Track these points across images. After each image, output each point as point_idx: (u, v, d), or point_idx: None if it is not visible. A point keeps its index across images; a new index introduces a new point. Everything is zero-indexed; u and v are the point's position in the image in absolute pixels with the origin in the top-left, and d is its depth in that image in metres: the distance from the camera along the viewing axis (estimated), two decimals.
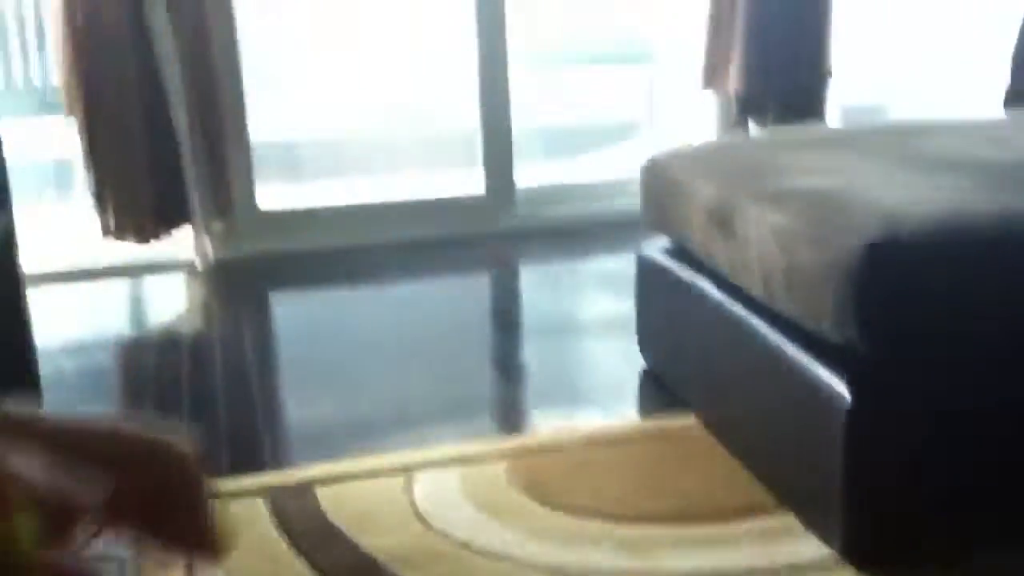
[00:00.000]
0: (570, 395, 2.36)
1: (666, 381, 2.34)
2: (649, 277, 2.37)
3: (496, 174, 3.58)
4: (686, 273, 2.15)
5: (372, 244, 3.45)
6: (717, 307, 2.00)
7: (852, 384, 1.59)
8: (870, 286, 1.55)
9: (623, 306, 2.97)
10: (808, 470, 1.71)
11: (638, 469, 1.98)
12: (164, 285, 3.28)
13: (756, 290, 1.82)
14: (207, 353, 2.71)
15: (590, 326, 2.83)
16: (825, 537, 1.70)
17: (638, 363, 2.47)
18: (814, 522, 1.73)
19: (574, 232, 3.60)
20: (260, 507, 1.87)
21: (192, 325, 2.98)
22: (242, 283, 3.27)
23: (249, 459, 2.09)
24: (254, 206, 3.42)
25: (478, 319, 2.99)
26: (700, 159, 2.19)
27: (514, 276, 3.40)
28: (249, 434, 2.22)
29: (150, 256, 3.33)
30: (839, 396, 1.60)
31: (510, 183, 3.59)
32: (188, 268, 3.33)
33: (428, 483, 1.94)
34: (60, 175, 4.16)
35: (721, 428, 2.05)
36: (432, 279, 3.30)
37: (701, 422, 2.12)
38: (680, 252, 2.22)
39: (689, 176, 2.12)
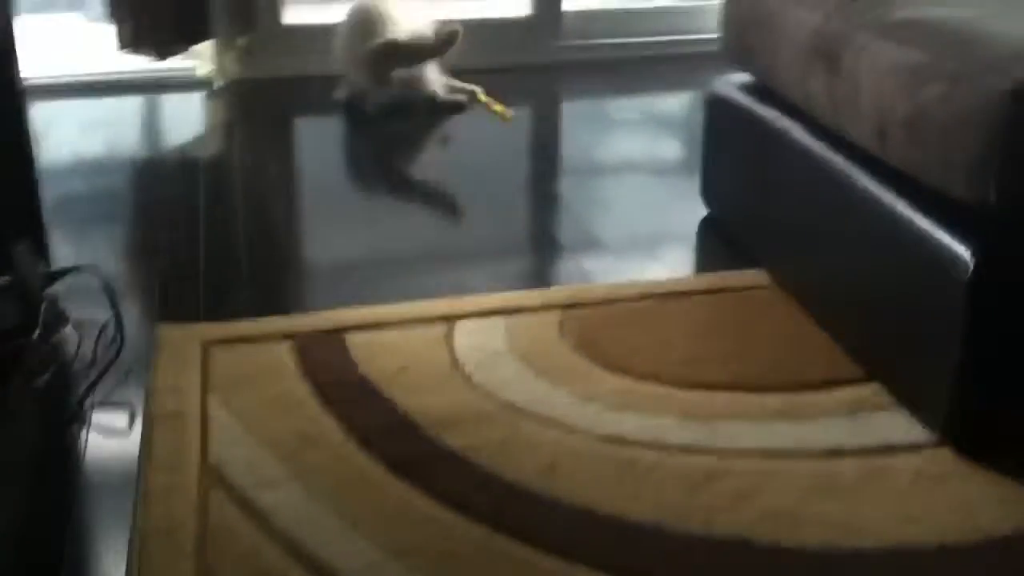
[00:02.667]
0: (624, 243, 2.14)
1: (732, 233, 2.11)
2: (721, 116, 2.11)
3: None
4: (771, 114, 1.90)
5: None
6: (809, 154, 1.76)
7: (977, 249, 1.37)
8: (1016, 135, 1.30)
9: (681, 148, 2.73)
10: (912, 341, 1.50)
11: (703, 328, 1.78)
12: (181, 104, 3.03)
13: (864, 136, 1.57)
14: (227, 179, 2.49)
15: (646, 169, 2.59)
16: (924, 415, 1.50)
17: (699, 211, 2.24)
18: (912, 398, 1.53)
19: (627, 65, 3.31)
20: (285, 354, 1.68)
21: (210, 148, 2.75)
22: (265, 104, 3.01)
23: (272, 300, 1.90)
24: (278, 21, 3.14)
25: (521, 157, 2.75)
26: None
27: (559, 111, 3.13)
28: (272, 272, 2.02)
29: (166, 72, 3.08)
30: (960, 262, 1.38)
31: (557, 6, 3.28)
32: (207, 86, 3.07)
33: (470, 335, 1.75)
34: None
35: (799, 287, 1.84)
36: (470, 111, 3.04)
37: (774, 280, 1.90)
38: (763, 90, 1.96)
39: (784, 2, 1.84)
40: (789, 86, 1.81)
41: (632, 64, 3.32)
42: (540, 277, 2.03)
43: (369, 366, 1.65)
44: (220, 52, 3.04)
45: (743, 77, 2.05)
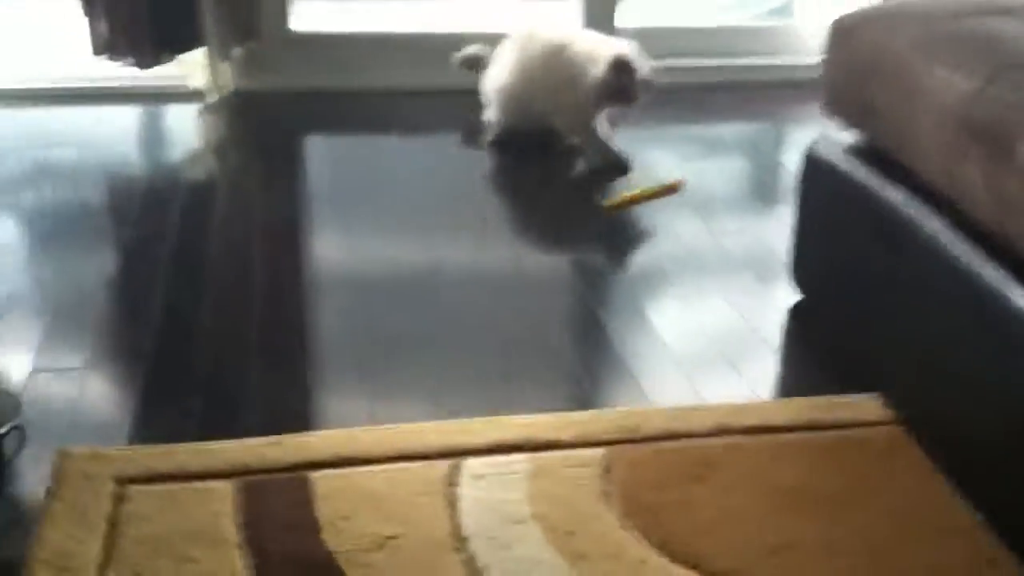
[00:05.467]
0: (689, 339, 1.66)
1: (832, 331, 1.64)
2: (823, 183, 1.64)
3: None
4: (896, 194, 1.42)
5: (427, 84, 2.69)
6: (951, 255, 1.28)
7: None
8: None
9: (761, 203, 2.24)
10: None
11: (800, 489, 1.30)
12: (169, 118, 2.59)
13: None
14: (207, 218, 2.03)
15: (714, 232, 2.07)
16: None
17: (788, 297, 1.75)
18: None
19: (686, 92, 2.81)
20: (225, 503, 1.23)
21: (194, 174, 2.30)
22: (265, 122, 2.55)
23: (229, 409, 1.43)
24: (285, 28, 2.69)
25: (556, 203, 2.25)
26: (939, 31, 1.42)
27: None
28: (239, 363, 1.54)
29: (154, 81, 2.63)
30: None
31: (610, 24, 2.80)
32: (199, 99, 2.62)
33: (482, 483, 1.28)
34: None
35: (929, 430, 1.36)
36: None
37: (893, 411, 1.42)
38: (882, 159, 1.48)
39: (924, 56, 1.36)
40: (926, 164, 1.34)
41: (692, 91, 2.81)
42: (579, 390, 1.55)
43: (337, 532, 1.19)
44: (215, 62, 2.60)
45: (849, 135, 1.58)
